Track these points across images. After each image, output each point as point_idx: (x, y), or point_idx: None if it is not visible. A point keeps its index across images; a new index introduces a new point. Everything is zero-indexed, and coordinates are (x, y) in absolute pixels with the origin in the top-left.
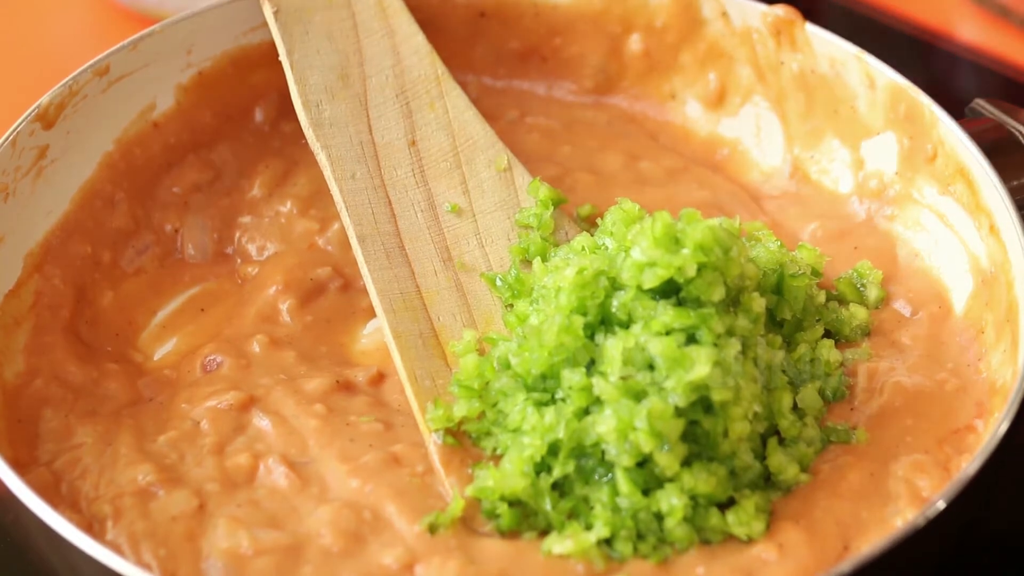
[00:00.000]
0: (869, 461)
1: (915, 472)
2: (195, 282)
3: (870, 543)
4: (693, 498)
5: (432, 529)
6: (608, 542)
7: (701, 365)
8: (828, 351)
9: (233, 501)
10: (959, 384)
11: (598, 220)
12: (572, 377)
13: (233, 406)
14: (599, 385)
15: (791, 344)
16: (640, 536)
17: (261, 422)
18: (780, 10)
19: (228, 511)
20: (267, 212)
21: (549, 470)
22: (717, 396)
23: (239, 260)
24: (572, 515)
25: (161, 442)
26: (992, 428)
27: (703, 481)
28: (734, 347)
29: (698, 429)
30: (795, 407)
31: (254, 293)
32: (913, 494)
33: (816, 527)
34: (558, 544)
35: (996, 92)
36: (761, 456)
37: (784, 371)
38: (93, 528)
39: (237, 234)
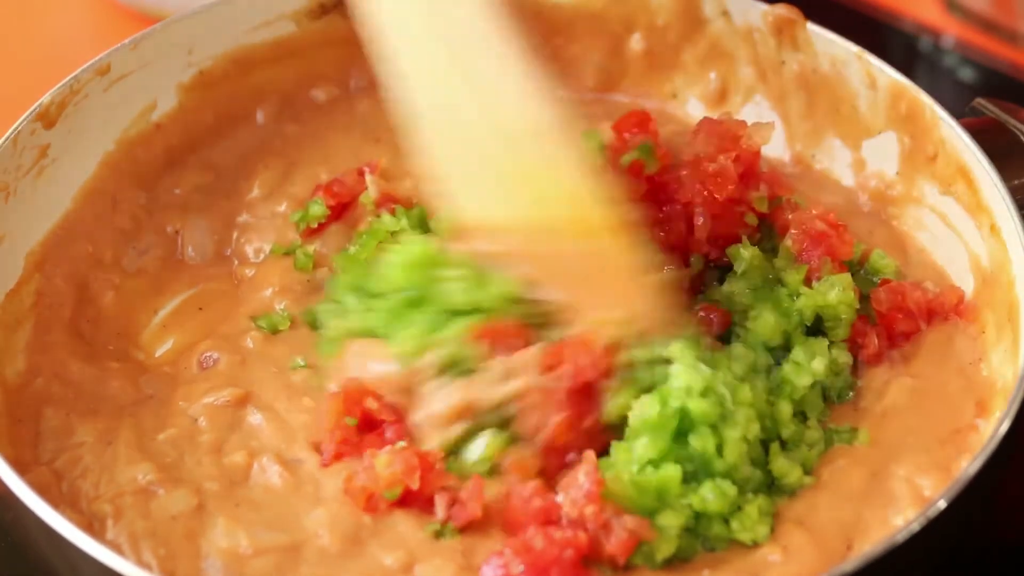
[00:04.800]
0: (871, 462)
1: (917, 472)
2: (194, 283)
3: (872, 543)
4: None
5: (437, 535)
6: None
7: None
8: (839, 352)
9: (232, 500)
10: (960, 384)
11: None
12: None
13: (229, 402)
14: None
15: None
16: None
17: (255, 418)
18: (781, 9)
19: (227, 510)
20: (265, 213)
21: None
22: (703, 418)
23: (236, 261)
24: None
25: (161, 440)
26: (993, 428)
27: (712, 503)
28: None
29: (691, 450)
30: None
31: (250, 294)
32: (915, 494)
33: (820, 529)
34: None
35: (997, 92)
36: (763, 461)
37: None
38: (93, 527)
39: (235, 235)
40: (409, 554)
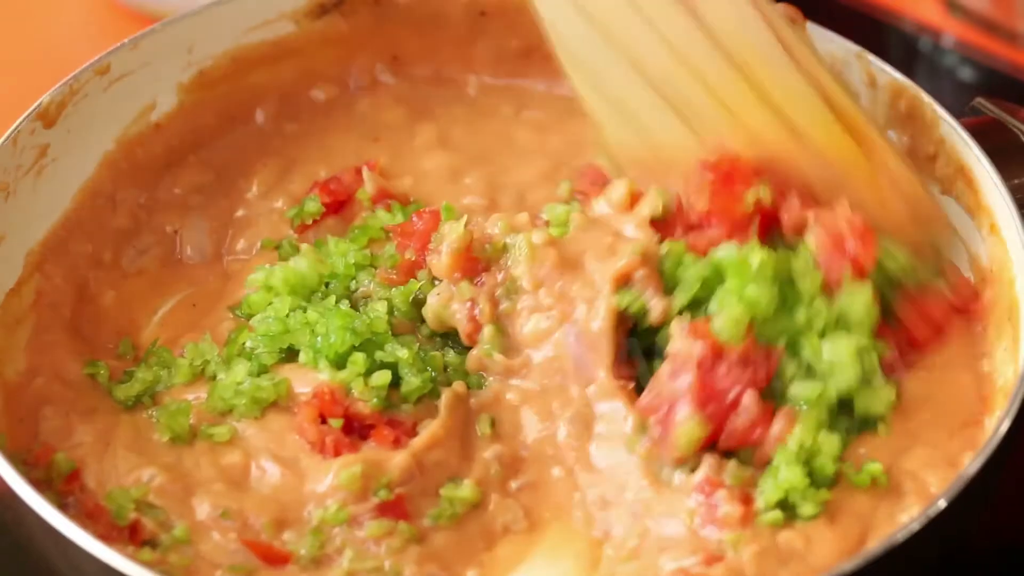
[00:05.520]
0: (885, 454)
1: (924, 468)
2: (193, 283)
3: (879, 539)
4: None
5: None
6: None
7: None
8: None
9: (237, 503)
10: (962, 383)
11: None
12: None
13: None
14: None
15: None
16: None
17: (239, 424)
18: (781, 9)
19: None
20: (261, 210)
21: None
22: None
23: (228, 257)
24: None
25: (155, 440)
26: (994, 427)
27: None
28: None
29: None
30: None
31: (238, 289)
32: (921, 491)
33: (838, 519)
34: None
35: (997, 91)
36: None
37: None
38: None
39: (231, 232)
40: None
